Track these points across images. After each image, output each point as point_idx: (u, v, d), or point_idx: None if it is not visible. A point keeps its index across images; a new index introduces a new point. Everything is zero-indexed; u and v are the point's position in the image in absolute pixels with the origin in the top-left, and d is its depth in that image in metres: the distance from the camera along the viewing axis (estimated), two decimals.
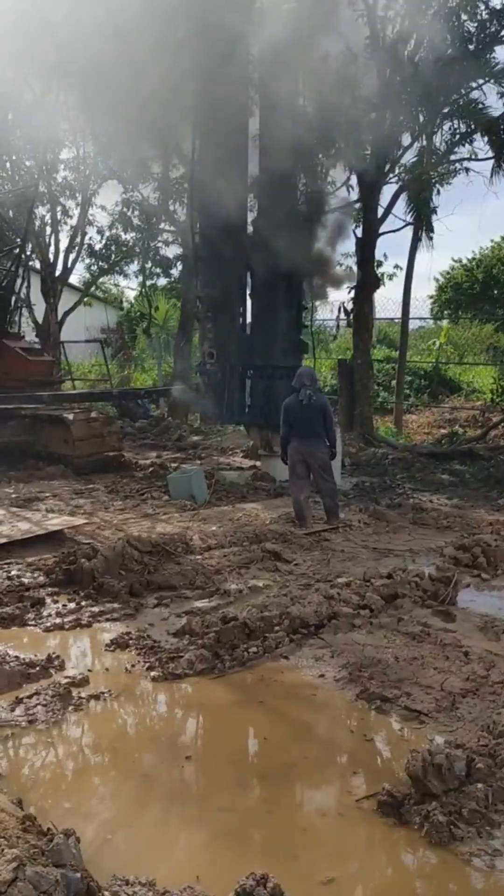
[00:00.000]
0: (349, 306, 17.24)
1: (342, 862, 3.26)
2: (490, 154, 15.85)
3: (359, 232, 16.45)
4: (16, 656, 5.08)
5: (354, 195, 16.86)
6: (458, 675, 4.88)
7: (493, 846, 3.23)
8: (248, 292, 12.73)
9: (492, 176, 15.92)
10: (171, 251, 24.04)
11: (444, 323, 27.04)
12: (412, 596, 6.33)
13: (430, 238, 17.95)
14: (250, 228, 12.66)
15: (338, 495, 9.66)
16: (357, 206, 17.18)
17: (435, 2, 14.27)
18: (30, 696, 4.57)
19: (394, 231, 17.63)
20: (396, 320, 21.41)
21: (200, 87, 12.09)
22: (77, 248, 23.44)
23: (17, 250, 17.46)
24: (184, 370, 21.00)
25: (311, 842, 3.36)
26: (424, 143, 16.24)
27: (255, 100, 13.40)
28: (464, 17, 14.48)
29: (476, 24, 14.61)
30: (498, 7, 14.59)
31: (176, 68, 12.57)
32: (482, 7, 14.57)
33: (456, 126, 16.01)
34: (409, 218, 17.45)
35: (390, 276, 23.31)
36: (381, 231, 16.76)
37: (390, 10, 15.11)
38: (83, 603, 6.28)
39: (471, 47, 14.48)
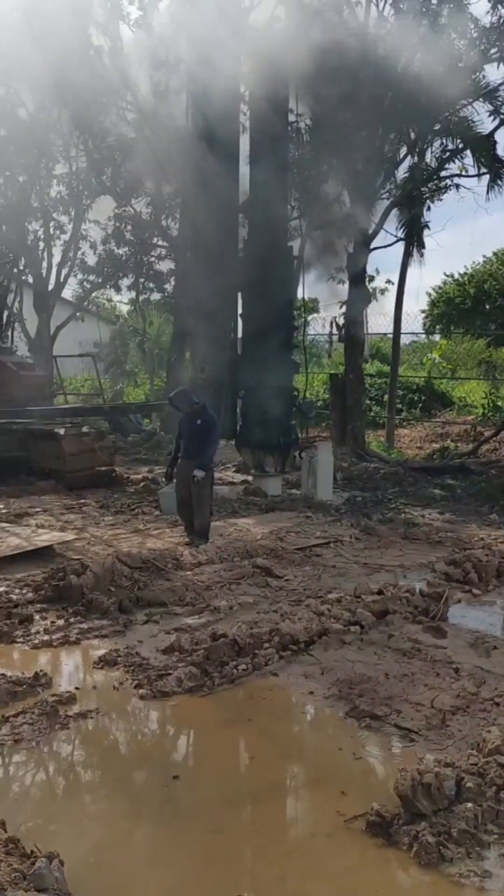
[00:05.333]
0: (341, 321, 17.30)
1: (330, 884, 3.22)
2: (479, 171, 15.97)
3: (350, 247, 16.50)
4: (2, 674, 5.02)
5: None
6: (448, 692, 4.85)
7: (483, 867, 3.19)
8: (238, 312, 12.69)
9: (488, 192, 16.04)
10: (165, 265, 24.08)
11: (437, 337, 27.14)
12: (403, 612, 6.31)
13: (422, 254, 18.02)
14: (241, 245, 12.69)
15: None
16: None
17: (426, 20, 14.41)
18: (16, 715, 4.52)
19: (385, 246, 17.68)
20: (388, 335, 21.44)
21: (191, 104, 12.19)
22: (70, 262, 23.47)
23: (9, 264, 17.48)
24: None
25: (299, 863, 3.31)
26: (416, 159, 16.33)
27: (247, 115, 13.53)
28: (454, 35, 14.63)
29: (466, 43, 14.77)
30: (487, 26, 14.76)
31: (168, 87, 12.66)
32: (472, 26, 14.74)
33: (446, 143, 16.13)
34: (400, 233, 17.52)
35: (382, 291, 23.40)
36: (372, 246, 16.83)
37: (381, 28, 15.29)
38: (72, 619, 6.24)
39: (461, 65, 14.62)
